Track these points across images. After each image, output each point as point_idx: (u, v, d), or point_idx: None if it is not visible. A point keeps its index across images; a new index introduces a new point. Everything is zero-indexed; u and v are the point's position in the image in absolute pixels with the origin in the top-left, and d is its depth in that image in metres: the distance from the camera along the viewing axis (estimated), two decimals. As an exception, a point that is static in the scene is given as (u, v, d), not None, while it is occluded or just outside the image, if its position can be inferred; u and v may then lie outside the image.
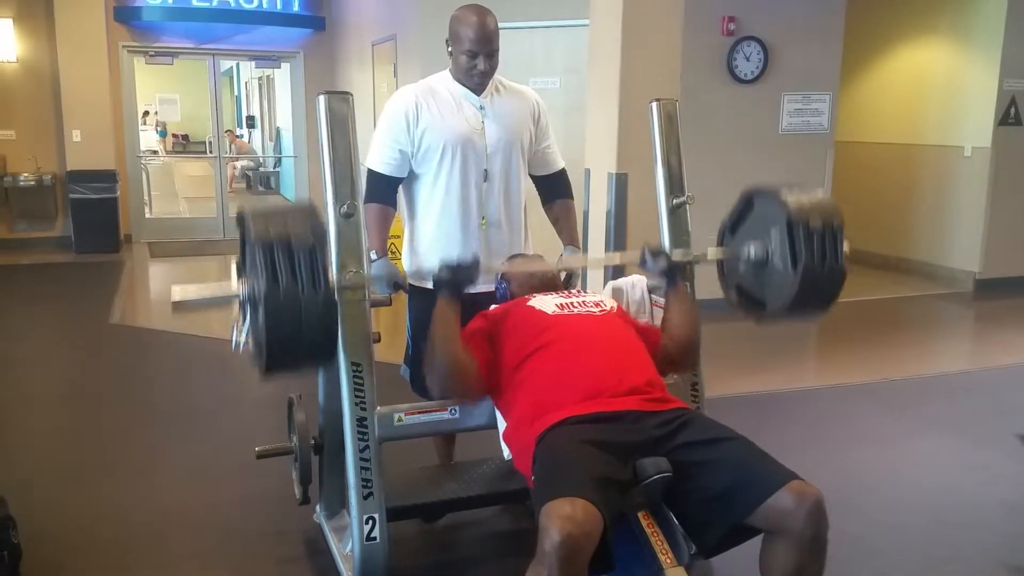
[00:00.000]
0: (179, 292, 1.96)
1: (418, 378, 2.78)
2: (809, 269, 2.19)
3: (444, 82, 2.67)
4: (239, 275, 2.02)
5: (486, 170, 2.64)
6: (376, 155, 2.64)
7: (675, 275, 2.33)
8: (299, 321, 1.86)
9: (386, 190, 2.65)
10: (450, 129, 2.60)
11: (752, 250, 2.32)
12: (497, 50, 2.57)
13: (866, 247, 7.75)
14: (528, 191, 2.83)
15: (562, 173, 2.87)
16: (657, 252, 2.35)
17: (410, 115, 2.59)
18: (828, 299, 2.31)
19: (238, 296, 1.96)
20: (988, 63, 6.60)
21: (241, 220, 1.97)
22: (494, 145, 2.64)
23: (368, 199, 2.59)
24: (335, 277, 2.15)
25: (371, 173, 2.64)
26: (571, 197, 2.89)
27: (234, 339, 2.01)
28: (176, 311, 2.02)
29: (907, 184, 7.42)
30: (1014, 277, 6.86)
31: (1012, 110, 6.62)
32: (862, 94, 7.74)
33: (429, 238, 2.69)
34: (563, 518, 1.62)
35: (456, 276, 2.14)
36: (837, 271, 2.23)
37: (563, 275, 2.78)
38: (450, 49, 2.61)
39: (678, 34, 4.03)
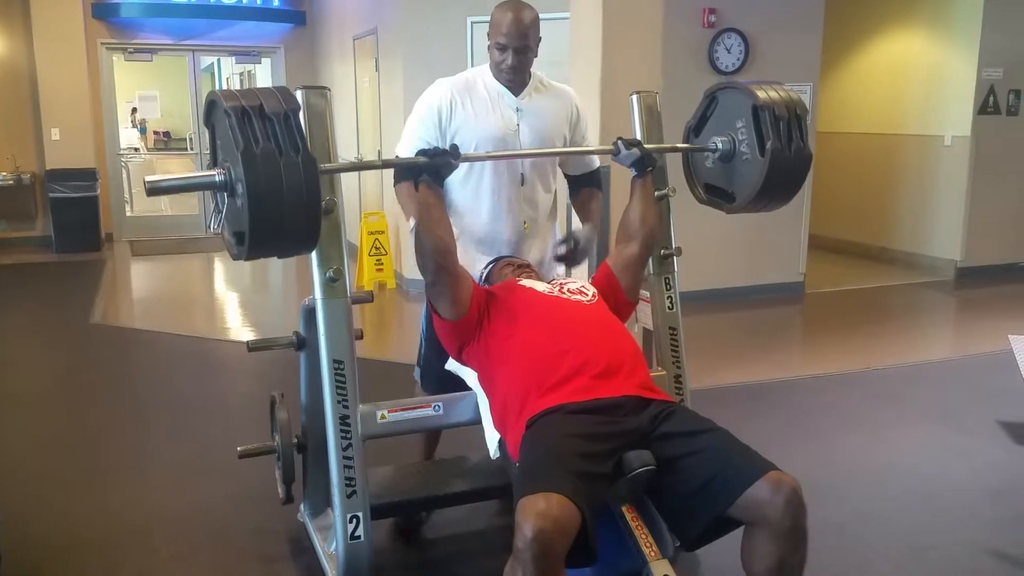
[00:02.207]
0: (153, 176, 1.88)
1: (427, 377, 2.74)
2: (777, 152, 2.27)
3: (483, 77, 2.58)
4: (211, 166, 1.97)
5: (522, 174, 2.57)
6: (406, 147, 2.55)
7: (645, 165, 2.41)
8: (279, 186, 1.78)
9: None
10: (484, 130, 2.51)
11: (720, 143, 2.44)
12: (530, 47, 2.47)
13: (848, 237, 7.80)
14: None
15: (596, 172, 2.78)
16: (631, 142, 2.42)
17: (444, 111, 2.51)
18: (795, 184, 2.39)
19: (214, 180, 1.89)
20: (967, 52, 6.65)
21: (211, 104, 1.91)
22: (528, 148, 2.56)
23: (399, 178, 2.51)
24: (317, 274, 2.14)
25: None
26: (599, 188, 2.80)
27: (212, 224, 2.00)
28: (150, 196, 1.96)
29: (888, 174, 7.46)
30: (995, 265, 6.92)
31: (991, 99, 6.67)
32: (842, 85, 7.77)
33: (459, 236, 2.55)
34: (537, 514, 1.61)
35: (435, 160, 2.13)
36: (803, 153, 2.32)
37: (572, 242, 2.65)
38: (489, 42, 2.52)
39: (659, 26, 4.03)
